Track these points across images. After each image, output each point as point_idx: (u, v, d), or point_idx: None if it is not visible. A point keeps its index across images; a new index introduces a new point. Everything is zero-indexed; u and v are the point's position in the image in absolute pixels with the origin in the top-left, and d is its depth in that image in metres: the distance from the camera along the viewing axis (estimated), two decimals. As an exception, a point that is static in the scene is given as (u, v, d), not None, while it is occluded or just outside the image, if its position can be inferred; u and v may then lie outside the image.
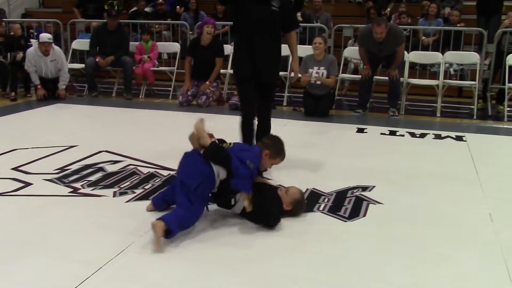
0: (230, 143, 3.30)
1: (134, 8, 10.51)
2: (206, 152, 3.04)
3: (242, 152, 3.14)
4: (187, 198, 2.91)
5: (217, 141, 3.19)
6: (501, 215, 3.34)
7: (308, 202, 3.42)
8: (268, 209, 3.08)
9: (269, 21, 3.89)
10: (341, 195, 3.62)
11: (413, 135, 5.64)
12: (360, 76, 6.95)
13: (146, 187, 3.77)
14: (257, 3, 3.86)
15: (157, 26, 9.43)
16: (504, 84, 7.01)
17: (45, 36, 7.20)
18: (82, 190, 3.69)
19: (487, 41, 7.43)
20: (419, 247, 2.88)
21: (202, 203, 3.00)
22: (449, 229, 3.13)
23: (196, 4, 9.87)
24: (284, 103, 7.46)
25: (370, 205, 3.50)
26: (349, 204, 3.51)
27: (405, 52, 7.11)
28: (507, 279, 2.56)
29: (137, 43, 8.33)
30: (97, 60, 7.67)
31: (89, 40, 8.27)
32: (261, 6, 3.86)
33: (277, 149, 3.30)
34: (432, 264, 2.69)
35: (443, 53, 7.52)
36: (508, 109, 6.79)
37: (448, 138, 5.50)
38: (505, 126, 6.31)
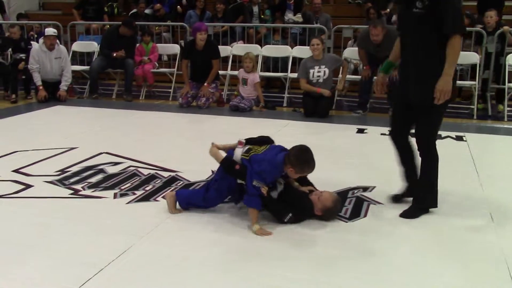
0: (258, 149, 3.20)
1: (134, 10, 10.54)
2: (222, 167, 3.29)
3: (258, 165, 3.07)
4: (206, 185, 3.36)
5: (248, 148, 3.21)
6: (502, 215, 3.35)
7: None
8: (284, 207, 3.18)
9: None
10: (341, 196, 3.62)
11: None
12: (360, 76, 6.96)
13: (147, 188, 3.78)
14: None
15: (157, 27, 9.44)
16: (504, 84, 7.01)
17: (51, 30, 7.34)
18: (83, 192, 3.70)
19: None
20: (420, 247, 2.89)
21: (217, 194, 3.30)
22: (450, 229, 3.13)
23: (204, 3, 9.89)
24: (284, 104, 7.47)
25: (371, 205, 3.51)
26: (349, 204, 3.52)
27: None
28: (508, 278, 2.56)
29: (137, 45, 8.33)
30: (114, 54, 7.67)
31: (89, 42, 8.30)
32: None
33: (300, 166, 3.07)
34: (432, 263, 2.70)
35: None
36: (508, 109, 6.80)
37: (448, 138, 5.50)
38: (505, 126, 6.31)
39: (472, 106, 7.04)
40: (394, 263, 2.71)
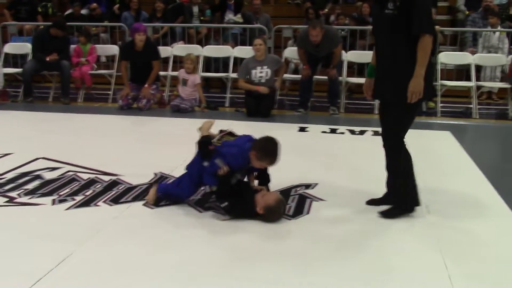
0: (230, 138, 3.51)
1: (70, 11, 10.22)
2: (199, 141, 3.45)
3: (227, 148, 3.32)
4: (180, 178, 3.51)
5: (221, 136, 3.52)
6: (438, 206, 3.49)
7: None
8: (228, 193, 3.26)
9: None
10: (284, 194, 3.66)
11: (353, 132, 5.79)
12: (300, 76, 7.07)
13: (87, 193, 3.68)
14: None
15: (94, 28, 9.21)
16: (436, 81, 7.31)
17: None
18: (19, 199, 3.55)
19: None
20: (362, 242, 2.97)
21: (190, 180, 3.42)
22: (389, 221, 3.23)
23: (138, 3, 9.72)
24: (226, 104, 7.47)
25: (314, 202, 3.57)
26: (293, 202, 3.56)
27: (343, 52, 7.28)
28: (443, 267, 2.67)
29: (74, 46, 8.09)
30: (47, 59, 7.41)
31: (22, 43, 7.98)
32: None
33: (263, 152, 3.22)
34: (376, 254, 2.78)
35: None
36: (441, 104, 7.09)
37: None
38: (438, 122, 6.57)
39: (408, 103, 7.27)
40: (339, 258, 2.76)
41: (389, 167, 3.34)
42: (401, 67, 3.07)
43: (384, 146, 3.33)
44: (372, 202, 3.51)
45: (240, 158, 3.27)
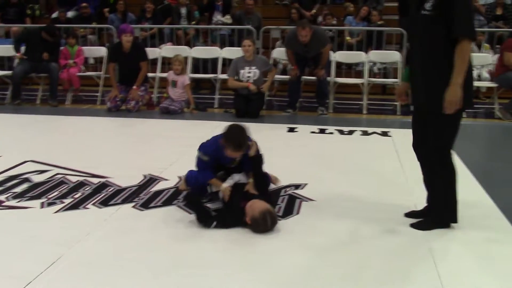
0: None
1: (55, 15, 10.15)
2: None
3: (207, 140, 3.49)
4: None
5: None
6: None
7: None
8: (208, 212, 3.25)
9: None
10: (274, 194, 3.67)
11: (341, 132, 5.82)
12: (288, 76, 7.09)
13: (76, 196, 3.66)
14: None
15: (82, 30, 9.16)
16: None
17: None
18: (7, 203, 3.53)
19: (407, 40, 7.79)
20: (352, 241, 2.99)
21: (205, 171, 3.47)
22: (378, 221, 3.25)
23: (124, 5, 9.68)
24: (215, 105, 7.47)
25: (303, 202, 3.59)
26: (282, 202, 3.57)
27: (331, 52, 7.32)
28: (433, 266, 2.70)
29: (62, 48, 8.05)
30: (17, 54, 7.43)
31: (10, 45, 7.91)
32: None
33: (226, 138, 3.27)
34: (365, 253, 2.80)
35: (366, 53, 7.81)
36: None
37: (375, 134, 5.72)
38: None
39: (395, 103, 7.35)
40: (327, 257, 2.78)
41: (431, 180, 3.13)
42: (438, 74, 2.83)
43: (422, 159, 3.14)
44: (411, 214, 3.32)
45: (214, 145, 3.38)
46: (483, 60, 7.61)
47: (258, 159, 3.46)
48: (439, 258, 2.77)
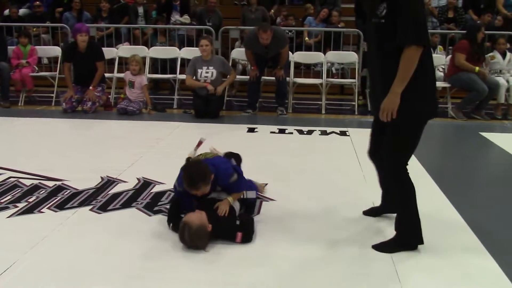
0: (208, 154, 3.44)
1: (7, 13, 9.83)
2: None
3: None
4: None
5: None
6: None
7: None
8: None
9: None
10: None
11: (301, 132, 5.87)
12: (248, 77, 7.09)
13: (30, 200, 3.55)
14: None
15: (35, 29, 8.90)
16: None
17: None
18: (-44, 208, 3.39)
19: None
20: (314, 239, 3.01)
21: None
22: (338, 220, 3.29)
23: (80, 4, 9.47)
24: (175, 106, 7.41)
25: (264, 202, 3.59)
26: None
27: (290, 52, 7.37)
28: (394, 272, 2.75)
29: (13, 47, 7.80)
30: None
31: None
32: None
33: (183, 175, 3.03)
34: (324, 250, 2.82)
35: (325, 53, 7.90)
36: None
37: (333, 134, 5.80)
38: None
39: (353, 102, 7.46)
40: (290, 253, 2.79)
41: (396, 200, 2.94)
42: (390, 83, 2.64)
43: (377, 164, 3.07)
44: (369, 212, 3.33)
45: (180, 178, 3.06)
46: (437, 61, 7.81)
47: (234, 186, 3.21)
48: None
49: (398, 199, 2.90)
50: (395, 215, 2.95)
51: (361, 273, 2.62)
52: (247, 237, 2.94)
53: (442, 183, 4.07)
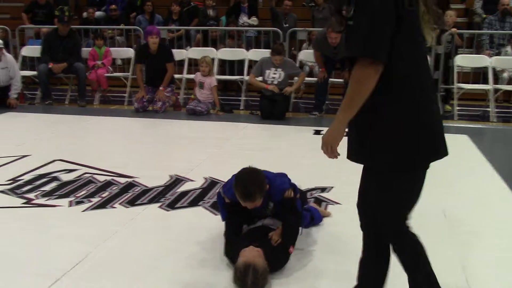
0: None
1: (85, 15, 10.30)
2: None
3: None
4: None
5: None
6: (455, 210, 3.45)
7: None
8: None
9: None
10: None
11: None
12: (315, 78, 7.04)
13: (103, 195, 3.70)
14: None
15: (110, 31, 9.28)
16: (452, 84, 7.23)
17: (-4, 42, 7.02)
18: (36, 201, 3.58)
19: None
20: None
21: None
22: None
23: (152, 6, 9.78)
24: (241, 107, 7.47)
25: (329, 205, 3.55)
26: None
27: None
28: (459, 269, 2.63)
29: (89, 49, 8.16)
30: (50, 66, 7.45)
31: (39, 46, 8.04)
32: None
33: (235, 184, 2.63)
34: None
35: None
36: (458, 108, 7.01)
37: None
38: (455, 125, 6.49)
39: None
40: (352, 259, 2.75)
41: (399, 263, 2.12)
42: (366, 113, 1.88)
43: (367, 231, 2.29)
44: None
45: (231, 189, 2.66)
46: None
47: (287, 202, 2.78)
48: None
49: (412, 265, 2.09)
50: None
51: None
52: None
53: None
